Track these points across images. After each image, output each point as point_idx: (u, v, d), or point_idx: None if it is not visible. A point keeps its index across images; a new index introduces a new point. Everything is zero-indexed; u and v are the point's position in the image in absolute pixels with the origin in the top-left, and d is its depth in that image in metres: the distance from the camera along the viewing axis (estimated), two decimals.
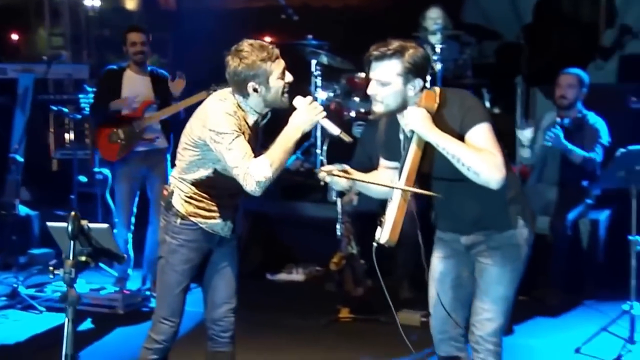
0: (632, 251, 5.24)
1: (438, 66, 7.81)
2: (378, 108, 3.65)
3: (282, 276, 7.17)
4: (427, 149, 3.58)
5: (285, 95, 3.71)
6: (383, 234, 3.67)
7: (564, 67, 7.31)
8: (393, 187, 3.61)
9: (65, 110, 7.23)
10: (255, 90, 3.62)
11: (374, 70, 3.58)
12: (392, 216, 3.65)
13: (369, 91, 3.64)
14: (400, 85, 3.52)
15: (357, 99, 8.04)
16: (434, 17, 8.18)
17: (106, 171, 7.41)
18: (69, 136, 7.64)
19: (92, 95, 7.04)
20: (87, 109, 7.09)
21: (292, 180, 8.05)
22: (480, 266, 3.85)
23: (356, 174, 3.93)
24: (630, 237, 5.24)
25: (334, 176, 3.87)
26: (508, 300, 3.80)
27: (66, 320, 3.11)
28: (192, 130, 3.72)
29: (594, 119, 6.26)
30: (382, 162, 4.03)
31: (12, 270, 6.99)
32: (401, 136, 3.78)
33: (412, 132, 3.58)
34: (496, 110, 8.77)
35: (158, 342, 3.88)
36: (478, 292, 3.86)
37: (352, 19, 9.15)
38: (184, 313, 3.97)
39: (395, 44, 3.52)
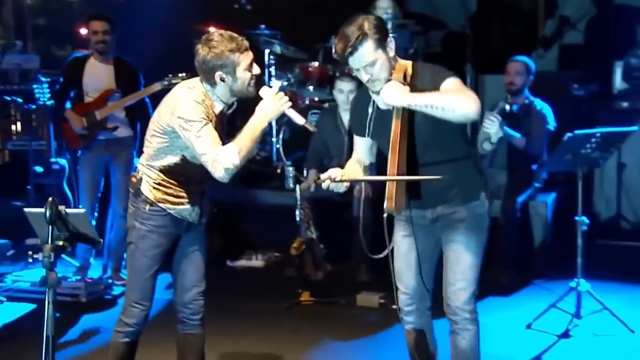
0: (579, 231, 5.47)
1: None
2: (379, 85, 3.79)
3: (242, 262, 7.26)
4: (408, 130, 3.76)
5: (252, 86, 3.83)
6: (393, 205, 3.81)
7: (508, 55, 7.58)
8: (390, 180, 3.77)
9: (20, 100, 7.17)
10: (222, 79, 3.73)
11: (355, 62, 3.75)
12: (391, 189, 3.79)
13: (363, 79, 3.81)
14: (382, 55, 3.72)
15: (310, 88, 8.16)
16: (384, 7, 8.29)
17: (63, 161, 7.42)
18: (16, 127, 7.66)
19: (46, 86, 7.01)
20: (42, 99, 7.03)
21: (249, 168, 8.10)
22: (448, 239, 4.04)
23: (351, 173, 4.11)
24: (576, 218, 5.48)
25: (337, 182, 4.01)
26: (477, 268, 4.01)
27: (47, 302, 3.22)
28: (161, 117, 3.81)
29: (540, 105, 6.53)
30: (357, 140, 4.19)
31: None
32: (369, 109, 3.96)
33: (392, 107, 3.75)
34: None
35: (129, 325, 3.97)
36: (449, 264, 4.06)
37: (303, 9, 9.21)
38: (154, 297, 4.08)
39: (353, 32, 3.69)
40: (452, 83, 3.78)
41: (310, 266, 6.43)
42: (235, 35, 3.80)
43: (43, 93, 6.99)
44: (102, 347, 5.33)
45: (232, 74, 3.74)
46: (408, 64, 3.84)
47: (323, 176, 3.95)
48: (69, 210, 3.33)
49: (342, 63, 3.90)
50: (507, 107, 6.42)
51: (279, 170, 8.01)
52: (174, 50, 8.38)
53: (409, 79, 3.77)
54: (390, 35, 3.78)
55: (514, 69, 6.50)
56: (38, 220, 3.33)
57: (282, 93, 3.87)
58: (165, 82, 6.47)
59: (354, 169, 4.12)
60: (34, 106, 7.16)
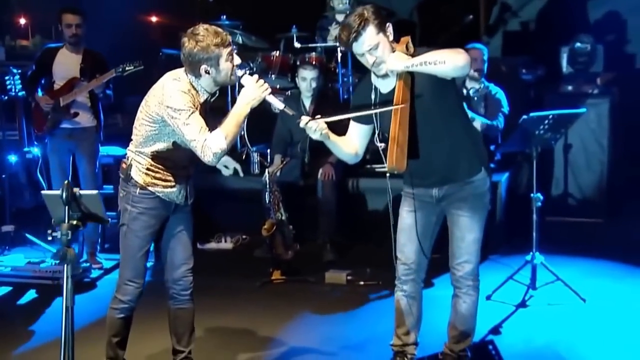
0: (534, 207, 5.82)
1: None
2: (383, 68, 4.11)
3: (212, 245, 7.44)
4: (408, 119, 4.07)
5: (234, 75, 4.08)
6: (397, 162, 4.13)
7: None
8: (384, 109, 4.13)
9: None
10: (207, 72, 3.98)
11: (359, 47, 4.06)
12: (392, 149, 4.10)
13: (369, 63, 4.10)
14: (384, 38, 4.05)
15: (272, 76, 8.34)
16: None
17: (35, 151, 7.58)
18: None
19: (18, 77, 7.16)
20: (14, 90, 7.18)
21: None
22: (453, 217, 4.44)
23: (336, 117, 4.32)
24: (532, 195, 5.83)
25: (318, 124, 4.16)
26: (479, 242, 4.45)
27: (65, 275, 3.46)
28: (149, 107, 4.04)
29: (495, 89, 6.90)
30: (352, 126, 4.45)
31: None
32: (372, 95, 4.32)
33: (395, 74, 4.08)
34: None
35: (124, 302, 4.22)
36: (454, 240, 4.46)
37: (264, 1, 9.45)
38: (146, 274, 4.33)
39: (355, 20, 4.02)
40: (426, 54, 4.06)
41: (280, 246, 6.66)
42: (219, 29, 4.04)
43: (14, 84, 7.11)
44: (83, 327, 5.54)
45: (215, 66, 3.99)
46: (407, 38, 4.15)
47: (306, 120, 4.16)
48: (82, 192, 3.56)
49: (347, 50, 4.23)
50: (464, 91, 6.76)
51: (243, 157, 8.18)
52: (134, 39, 8.59)
53: (411, 50, 4.09)
54: (387, 22, 4.08)
55: (473, 56, 6.74)
56: (54, 201, 3.55)
57: (262, 80, 4.12)
58: (119, 70, 6.71)
59: (342, 139, 4.39)
60: (5, 97, 7.27)
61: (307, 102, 7.27)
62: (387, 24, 4.10)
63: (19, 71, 7.20)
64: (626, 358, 5.07)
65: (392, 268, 5.70)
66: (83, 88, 6.75)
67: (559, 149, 7.95)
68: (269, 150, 7.88)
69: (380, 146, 4.30)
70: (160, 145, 4.10)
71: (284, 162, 7.05)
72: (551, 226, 6.87)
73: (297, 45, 8.38)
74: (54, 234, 3.49)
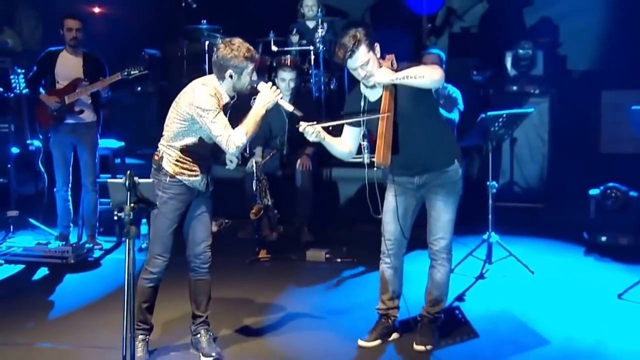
0: (490, 193, 6.44)
1: (320, 47, 8.53)
2: (372, 80, 4.66)
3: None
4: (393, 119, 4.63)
5: (249, 85, 4.70)
6: (383, 157, 4.66)
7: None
8: (373, 117, 4.69)
9: (1, 89, 7.58)
10: (230, 77, 4.56)
11: (353, 63, 4.62)
12: (380, 147, 4.63)
13: (360, 76, 4.64)
14: (373, 56, 4.63)
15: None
16: (309, 5, 8.94)
17: (37, 142, 7.89)
18: None
19: (22, 77, 7.46)
20: (19, 88, 7.46)
21: None
22: (431, 201, 4.99)
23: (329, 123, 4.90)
24: (488, 183, 6.46)
25: (315, 129, 4.71)
26: (453, 222, 5.01)
27: (127, 248, 3.98)
28: (180, 107, 4.60)
29: (452, 89, 7.47)
30: (346, 130, 4.98)
31: None
32: (362, 103, 4.87)
33: (382, 85, 4.63)
34: None
35: (153, 273, 4.77)
36: (432, 220, 5.02)
37: (242, 7, 9.72)
38: (172, 250, 4.87)
39: (350, 40, 4.58)
40: (410, 69, 4.63)
41: (266, 228, 7.16)
42: (251, 47, 4.61)
43: (19, 83, 7.43)
44: (93, 302, 6.06)
45: (239, 74, 4.57)
46: (392, 56, 4.72)
47: (304, 125, 4.72)
48: (140, 180, 4.07)
49: (342, 66, 4.73)
50: None
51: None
52: (131, 44, 8.90)
53: (395, 66, 4.66)
54: (375, 41, 4.63)
55: (430, 61, 7.21)
56: (116, 187, 4.06)
57: (275, 87, 4.72)
58: (125, 73, 7.07)
59: (338, 140, 4.93)
60: (11, 94, 7.55)
61: (286, 100, 7.66)
62: (376, 44, 4.65)
63: (23, 71, 7.46)
64: (567, 318, 5.64)
65: (364, 247, 6.42)
66: (88, 88, 7.05)
67: (506, 143, 8.37)
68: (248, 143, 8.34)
69: (364, 144, 4.91)
70: (188, 140, 4.63)
71: (272, 154, 7.49)
72: (500, 210, 7.14)
73: (274, 48, 8.73)
74: (119, 214, 4.02)
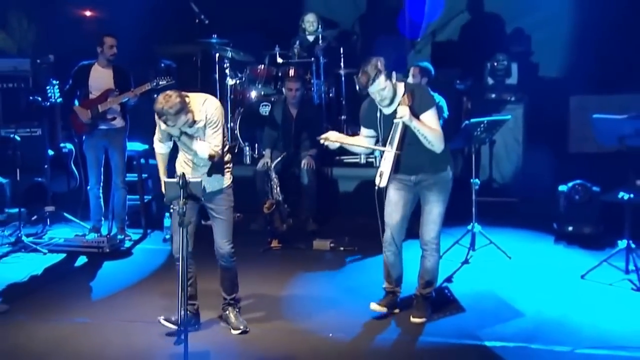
0: (473, 189, 6.96)
1: (321, 59, 9.03)
2: (387, 102, 5.29)
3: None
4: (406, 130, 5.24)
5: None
6: (382, 181, 5.24)
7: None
8: (383, 149, 5.32)
9: (39, 99, 7.89)
10: None
11: (374, 89, 5.22)
12: (387, 169, 5.22)
13: (377, 99, 5.25)
14: (389, 83, 5.24)
15: (259, 85, 9.23)
16: (310, 20, 9.47)
17: (70, 145, 8.30)
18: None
19: (57, 88, 7.78)
20: (54, 97, 7.79)
21: None
22: (425, 197, 5.53)
23: (348, 140, 5.55)
24: (471, 180, 6.97)
25: (333, 142, 5.40)
26: (442, 216, 5.54)
27: (181, 234, 4.62)
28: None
29: (438, 98, 7.70)
30: (363, 130, 5.57)
31: None
32: (378, 114, 5.43)
33: (401, 121, 5.21)
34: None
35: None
36: (424, 213, 5.54)
37: (249, 23, 10.07)
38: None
39: (372, 70, 5.16)
40: (431, 117, 5.33)
41: (278, 221, 7.61)
42: (162, 101, 5.01)
43: (54, 93, 7.79)
44: (128, 285, 6.58)
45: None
46: (401, 85, 5.29)
47: (324, 136, 5.43)
48: (190, 179, 4.71)
49: (364, 92, 5.33)
50: None
51: (236, 150, 8.89)
52: (145, 58, 9.26)
53: (409, 102, 5.20)
54: (390, 71, 5.23)
55: (415, 72, 7.50)
56: (171, 185, 4.70)
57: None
58: (154, 83, 7.45)
59: (354, 138, 5.54)
60: (47, 103, 7.85)
61: (291, 108, 8.23)
62: (392, 73, 5.25)
63: (58, 82, 7.78)
64: (538, 295, 6.18)
65: (364, 237, 6.94)
66: (119, 97, 7.42)
67: (485, 144, 8.66)
68: (256, 145, 8.81)
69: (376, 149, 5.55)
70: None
71: (282, 156, 7.92)
72: (481, 204, 7.35)
73: (279, 60, 9.18)
74: (174, 207, 4.68)
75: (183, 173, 4.75)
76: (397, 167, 5.43)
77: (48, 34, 10.59)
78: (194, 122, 5.19)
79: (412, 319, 5.59)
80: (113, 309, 6.07)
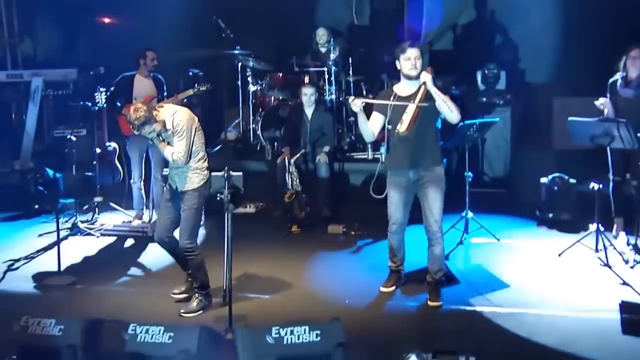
0: (467, 181, 7.33)
1: (333, 68, 9.41)
2: (416, 75, 5.57)
3: (240, 210, 8.33)
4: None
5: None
6: (402, 127, 5.52)
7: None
8: (411, 104, 5.58)
9: (89, 104, 8.38)
10: None
11: (413, 52, 5.58)
12: (408, 118, 5.53)
13: (410, 65, 5.54)
14: (420, 58, 5.67)
15: (278, 91, 9.69)
16: (321, 34, 9.92)
17: (114, 144, 8.74)
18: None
19: (104, 94, 8.18)
20: (101, 103, 8.22)
21: (237, 147, 9.74)
22: (425, 192, 5.77)
23: (370, 100, 5.83)
24: (465, 173, 7.34)
25: (362, 102, 5.58)
26: (442, 208, 5.80)
27: (227, 218, 5.21)
28: None
29: None
30: (374, 114, 5.82)
31: (52, 214, 8.08)
32: (391, 98, 5.68)
33: (424, 84, 5.50)
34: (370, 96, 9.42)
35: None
36: (426, 208, 5.79)
37: (268, 37, 10.57)
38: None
39: (415, 44, 5.64)
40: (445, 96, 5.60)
41: (297, 209, 8.11)
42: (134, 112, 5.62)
43: (101, 99, 8.23)
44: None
45: None
46: (431, 68, 5.64)
47: (351, 98, 5.60)
48: (232, 173, 5.30)
49: (401, 50, 5.61)
50: None
51: (258, 147, 9.51)
52: (174, 67, 9.50)
53: (431, 73, 5.58)
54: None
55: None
56: (217, 178, 5.32)
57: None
58: (196, 89, 8.03)
59: (368, 122, 5.77)
60: (96, 108, 8.33)
61: (307, 110, 8.65)
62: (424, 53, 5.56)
63: (104, 89, 8.20)
64: (521, 270, 6.62)
65: (371, 222, 7.34)
66: (162, 103, 7.61)
67: (477, 142, 9.07)
68: (276, 143, 9.30)
69: (388, 127, 5.71)
70: None
71: (300, 152, 8.34)
72: (473, 194, 7.61)
73: (296, 69, 9.64)
74: (220, 196, 5.28)
75: (227, 167, 5.35)
76: (400, 161, 5.75)
77: (73, 42, 11.01)
78: (165, 129, 5.71)
79: (430, 304, 5.87)
80: (156, 281, 6.70)
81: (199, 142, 5.86)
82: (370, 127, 5.84)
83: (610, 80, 7.16)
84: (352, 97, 5.62)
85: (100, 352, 4.76)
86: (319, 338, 4.59)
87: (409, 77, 5.71)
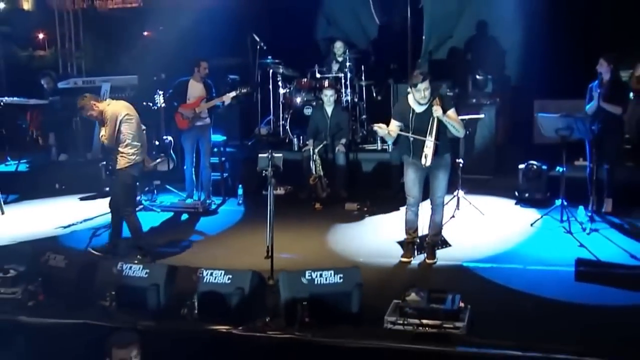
0: (459, 167, 7.97)
1: (348, 74, 10.01)
2: (426, 102, 6.04)
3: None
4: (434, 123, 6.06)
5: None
6: (427, 161, 6.14)
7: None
8: (412, 136, 6.17)
9: (150, 104, 8.95)
10: None
11: (422, 85, 6.02)
12: (430, 152, 6.12)
13: (420, 95, 6.01)
14: (429, 87, 6.11)
15: (303, 93, 10.28)
16: (338, 47, 10.51)
17: (170, 137, 9.26)
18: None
19: (161, 95, 8.78)
20: (159, 103, 8.84)
21: (269, 139, 10.31)
22: (435, 175, 6.37)
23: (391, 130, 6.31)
24: (457, 160, 7.86)
25: (383, 130, 6.17)
26: (446, 185, 6.44)
27: (269, 191, 5.98)
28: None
29: None
30: (393, 122, 6.30)
31: None
32: (411, 113, 6.17)
33: (436, 117, 6.05)
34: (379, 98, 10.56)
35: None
36: (434, 186, 6.40)
37: (295, 48, 10.99)
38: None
39: (424, 74, 6.08)
40: (453, 112, 6.16)
41: (319, 190, 8.77)
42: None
43: (159, 100, 8.87)
44: (218, 232, 7.80)
45: None
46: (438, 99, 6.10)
47: (378, 125, 6.19)
48: (274, 154, 6.06)
49: (415, 84, 6.05)
50: None
51: (287, 140, 10.15)
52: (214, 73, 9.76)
53: (440, 103, 6.08)
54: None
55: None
56: (262, 158, 6.06)
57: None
58: (239, 92, 8.67)
59: (391, 129, 6.30)
60: (155, 107, 8.89)
61: (328, 109, 9.24)
62: (429, 79, 6.05)
63: (162, 92, 8.85)
64: (501, 236, 7.22)
65: (381, 202, 8.02)
66: (212, 102, 8.57)
67: (468, 134, 8.84)
68: (301, 137, 9.88)
69: (411, 137, 6.16)
70: None
71: (322, 144, 8.95)
72: (463, 179, 8.18)
73: (318, 75, 10.22)
74: (266, 172, 6.12)
75: (270, 150, 6.17)
76: (418, 152, 6.27)
77: (118, 53, 11.55)
78: (102, 117, 6.59)
79: (427, 261, 6.53)
80: (207, 242, 7.50)
81: (125, 132, 6.61)
82: (392, 134, 6.38)
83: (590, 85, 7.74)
84: (377, 125, 6.27)
85: (176, 290, 5.72)
86: (341, 280, 5.44)
87: (419, 103, 6.25)
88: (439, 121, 6.15)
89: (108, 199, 7.03)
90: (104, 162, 7.23)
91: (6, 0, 12.01)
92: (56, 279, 5.82)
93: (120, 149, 6.67)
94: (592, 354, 4.75)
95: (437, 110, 6.09)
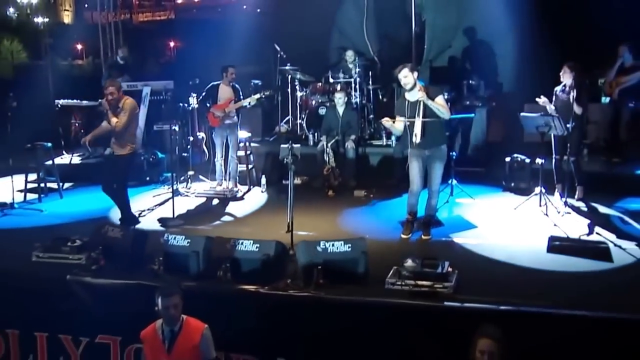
0: (452, 159, 8.41)
1: (358, 80, 10.48)
2: (410, 88, 6.50)
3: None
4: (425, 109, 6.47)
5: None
6: (417, 139, 6.59)
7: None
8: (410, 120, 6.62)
9: (185, 105, 9.61)
10: None
11: (400, 75, 6.54)
12: (418, 131, 6.57)
13: (402, 82, 6.49)
14: (410, 75, 6.57)
15: (318, 96, 10.75)
16: (350, 55, 11.00)
17: (201, 134, 9.99)
18: None
19: (195, 96, 9.37)
20: (192, 103, 9.47)
21: (288, 136, 10.68)
22: (432, 165, 6.76)
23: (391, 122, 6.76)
24: (451, 153, 8.23)
25: (389, 123, 6.61)
26: (441, 175, 6.84)
27: (291, 175, 6.56)
28: None
29: None
30: (397, 117, 6.71)
31: (159, 183, 9.79)
32: (405, 104, 6.64)
33: (421, 101, 6.44)
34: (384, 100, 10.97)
35: None
36: (431, 176, 6.80)
37: (309, 57, 11.52)
38: None
39: (402, 66, 6.56)
40: (441, 99, 6.56)
41: (332, 179, 9.25)
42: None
43: (193, 101, 9.48)
44: (245, 214, 8.34)
45: None
46: (422, 86, 6.55)
47: (385, 119, 6.60)
48: (294, 145, 6.62)
49: (397, 72, 6.55)
50: None
51: (304, 136, 10.64)
52: (243, 77, 10.36)
53: (425, 90, 6.49)
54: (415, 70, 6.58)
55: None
56: (284, 148, 6.61)
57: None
58: (262, 94, 9.22)
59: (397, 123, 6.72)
60: (190, 107, 9.55)
61: (340, 110, 9.74)
62: (414, 71, 6.56)
63: (195, 94, 9.42)
64: (489, 218, 7.65)
65: (385, 190, 8.51)
66: (240, 103, 9.11)
67: (462, 131, 9.91)
68: (316, 133, 10.38)
69: (407, 122, 6.52)
70: None
71: (334, 140, 9.42)
72: (456, 171, 8.60)
73: (331, 80, 10.67)
74: (287, 160, 6.71)
75: (291, 141, 6.79)
76: (418, 142, 6.64)
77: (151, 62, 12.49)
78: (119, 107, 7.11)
79: (423, 237, 6.99)
80: (237, 224, 7.98)
81: (135, 124, 7.15)
82: (397, 126, 6.85)
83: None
84: (384, 119, 6.73)
85: (213, 256, 6.40)
86: (350, 248, 6.05)
87: (407, 91, 6.78)
88: (425, 105, 6.56)
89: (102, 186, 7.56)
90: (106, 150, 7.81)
91: (49, 14, 12.51)
92: (114, 247, 6.49)
93: (127, 137, 7.20)
94: (554, 307, 5.32)
95: (421, 96, 6.52)
